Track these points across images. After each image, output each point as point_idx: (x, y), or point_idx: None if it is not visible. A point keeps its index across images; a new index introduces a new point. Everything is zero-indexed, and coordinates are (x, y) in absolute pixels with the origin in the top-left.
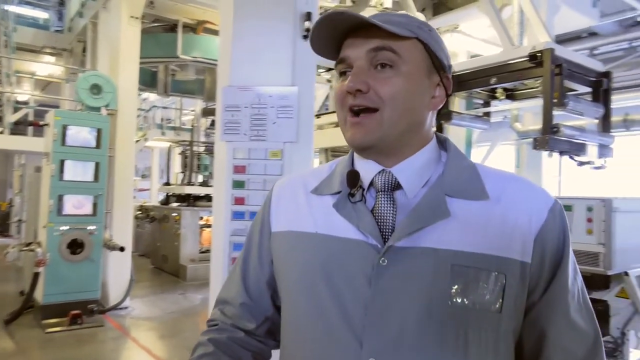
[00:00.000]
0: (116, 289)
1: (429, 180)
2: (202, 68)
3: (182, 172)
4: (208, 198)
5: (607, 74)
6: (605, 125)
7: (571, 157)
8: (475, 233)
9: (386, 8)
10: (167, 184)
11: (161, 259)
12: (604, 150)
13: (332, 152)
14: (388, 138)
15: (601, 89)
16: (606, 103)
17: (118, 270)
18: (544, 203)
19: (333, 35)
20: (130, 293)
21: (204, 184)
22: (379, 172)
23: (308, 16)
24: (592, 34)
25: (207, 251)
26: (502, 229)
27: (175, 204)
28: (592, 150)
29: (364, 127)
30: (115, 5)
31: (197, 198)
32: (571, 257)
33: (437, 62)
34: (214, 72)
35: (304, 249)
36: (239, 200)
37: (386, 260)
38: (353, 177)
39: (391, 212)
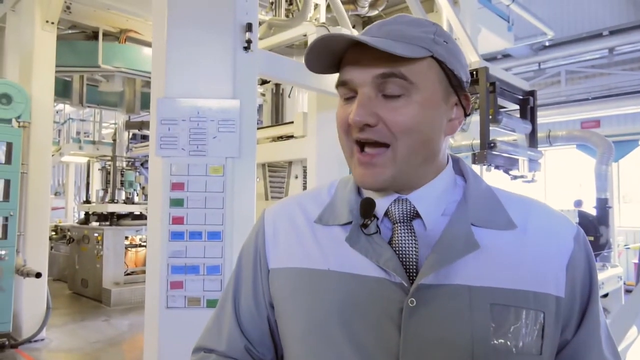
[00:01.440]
0: (30, 320)
1: (447, 208)
2: (129, 79)
3: (104, 189)
4: (133, 216)
5: (532, 93)
6: (532, 140)
7: (505, 172)
8: (509, 267)
9: (323, 23)
10: (87, 201)
11: (80, 283)
12: (533, 164)
13: (269, 167)
14: (402, 175)
15: (528, 107)
16: (533, 120)
17: (32, 299)
18: (569, 231)
19: (332, 52)
20: (47, 323)
21: (128, 201)
22: (395, 200)
23: (249, 27)
24: (505, 55)
25: (133, 273)
26: (534, 261)
27: (95, 223)
28: (522, 164)
29: (375, 168)
30: (27, 8)
31: (121, 216)
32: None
33: (454, 80)
34: (134, 82)
35: (314, 289)
36: (177, 220)
37: (415, 301)
38: (368, 207)
39: (413, 244)
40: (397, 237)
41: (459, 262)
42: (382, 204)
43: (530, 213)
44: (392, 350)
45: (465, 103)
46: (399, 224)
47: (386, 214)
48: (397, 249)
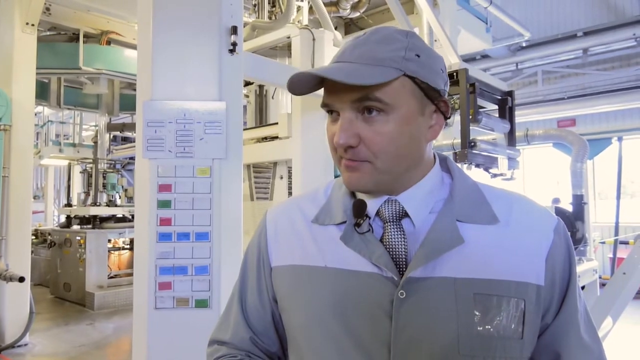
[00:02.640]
0: (13, 325)
1: (435, 205)
2: (121, 82)
3: (85, 192)
4: (116, 219)
5: (510, 93)
6: (511, 139)
7: (486, 170)
8: (491, 259)
9: (306, 26)
10: (69, 204)
11: (63, 287)
12: (512, 162)
13: (254, 168)
14: (385, 182)
15: (506, 106)
16: (511, 119)
17: (15, 303)
18: (549, 223)
19: (311, 78)
20: (31, 327)
21: (111, 203)
22: (385, 201)
23: (234, 30)
24: (484, 56)
25: (117, 276)
26: (516, 253)
27: (77, 227)
28: (501, 162)
29: (358, 172)
30: (7, 10)
31: (103, 219)
32: (577, 275)
33: (430, 91)
34: (112, 84)
35: (313, 284)
36: (165, 221)
37: (405, 293)
38: (360, 207)
39: (402, 241)
40: (388, 235)
41: (445, 255)
42: (373, 204)
43: (513, 208)
44: (385, 339)
45: (444, 109)
46: (389, 223)
47: (377, 213)
48: (387, 246)
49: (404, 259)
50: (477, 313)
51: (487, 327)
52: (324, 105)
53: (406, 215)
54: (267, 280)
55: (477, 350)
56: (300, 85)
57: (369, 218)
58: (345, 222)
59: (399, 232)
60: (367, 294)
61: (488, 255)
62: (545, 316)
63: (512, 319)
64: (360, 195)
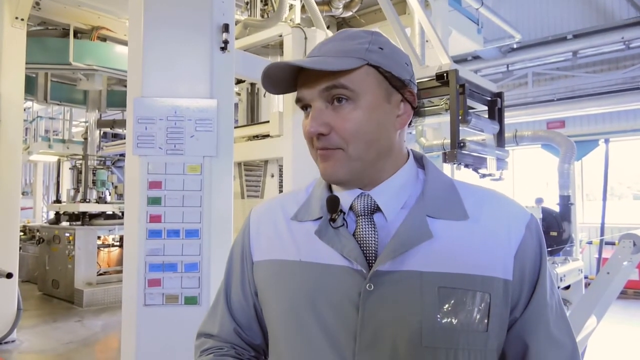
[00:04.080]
0: (0, 322)
1: (408, 201)
2: (111, 78)
3: (75, 189)
4: (105, 216)
5: (500, 94)
6: (500, 140)
7: (475, 170)
8: (459, 254)
9: (298, 24)
10: (58, 201)
11: (51, 284)
12: (501, 163)
13: (245, 166)
14: (358, 170)
15: (496, 108)
16: (500, 120)
17: (2, 300)
18: (521, 219)
19: (284, 77)
20: (18, 324)
21: (101, 200)
22: (358, 195)
23: (226, 28)
24: (475, 57)
25: (106, 273)
26: (484, 248)
27: (66, 223)
28: (490, 163)
29: (332, 161)
30: None
31: (93, 216)
32: (548, 270)
33: (394, 81)
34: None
35: (288, 278)
36: (155, 218)
37: (372, 286)
38: (333, 203)
39: (373, 235)
40: (360, 229)
41: (413, 250)
42: (347, 199)
43: (484, 204)
44: (352, 330)
45: (411, 98)
46: (362, 217)
47: (351, 208)
48: (359, 239)
49: (374, 253)
50: (440, 306)
51: (450, 319)
52: (298, 100)
53: (378, 209)
54: (249, 275)
55: (440, 342)
56: (274, 82)
57: (344, 213)
58: (321, 217)
59: (370, 226)
60: (338, 286)
61: (456, 250)
62: (514, 310)
63: (476, 313)
64: (335, 191)
